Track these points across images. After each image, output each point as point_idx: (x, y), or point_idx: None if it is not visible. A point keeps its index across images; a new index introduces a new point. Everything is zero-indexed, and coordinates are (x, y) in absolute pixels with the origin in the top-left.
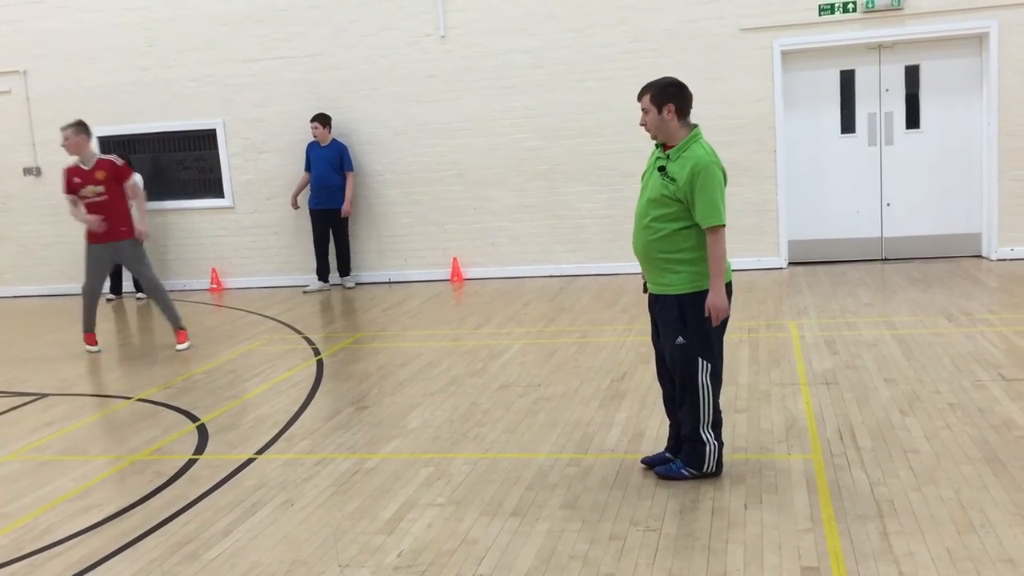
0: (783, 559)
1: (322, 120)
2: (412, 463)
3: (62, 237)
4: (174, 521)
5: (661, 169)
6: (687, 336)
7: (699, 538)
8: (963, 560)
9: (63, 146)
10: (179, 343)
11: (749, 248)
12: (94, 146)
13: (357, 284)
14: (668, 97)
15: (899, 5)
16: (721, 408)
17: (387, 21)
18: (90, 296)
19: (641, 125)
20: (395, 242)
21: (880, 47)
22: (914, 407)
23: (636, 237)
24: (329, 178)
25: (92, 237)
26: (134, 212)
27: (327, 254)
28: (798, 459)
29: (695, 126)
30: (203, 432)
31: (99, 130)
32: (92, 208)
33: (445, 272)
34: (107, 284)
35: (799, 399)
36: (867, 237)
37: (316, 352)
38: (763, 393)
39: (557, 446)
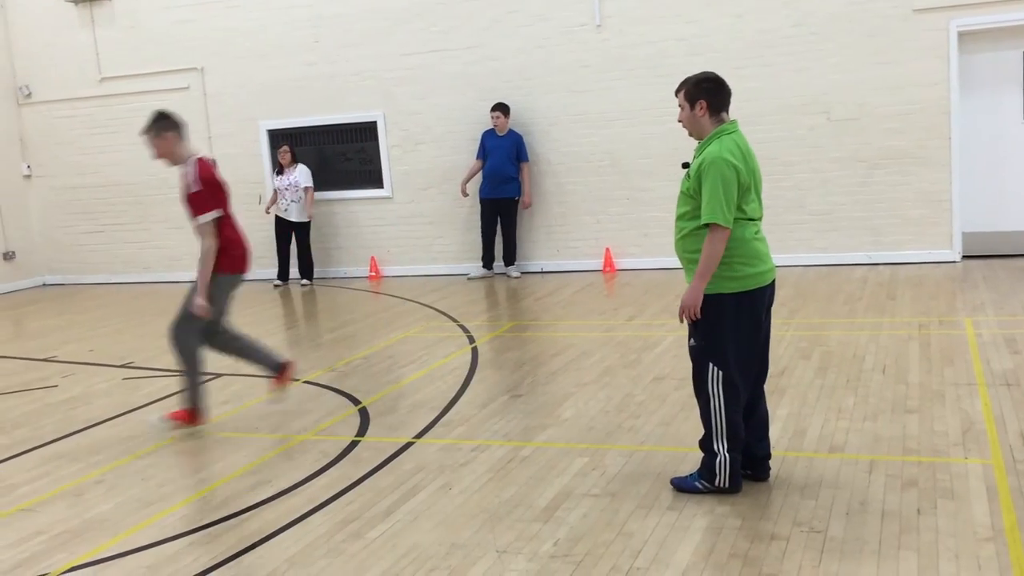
0: (960, 569)
1: (503, 109)
2: (567, 452)
3: None
4: (339, 500)
5: (684, 165)
6: (698, 338)
7: (868, 542)
8: None
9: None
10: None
11: (919, 240)
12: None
13: (522, 273)
14: (700, 93)
15: None
16: (739, 423)
17: (543, 11)
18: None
19: (679, 122)
20: (548, 232)
21: None
22: None
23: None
24: (504, 168)
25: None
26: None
27: (493, 243)
28: (976, 464)
29: (729, 122)
30: (364, 415)
31: (267, 124)
32: None
33: (597, 262)
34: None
35: (976, 400)
36: None
37: (471, 340)
38: (936, 393)
39: None
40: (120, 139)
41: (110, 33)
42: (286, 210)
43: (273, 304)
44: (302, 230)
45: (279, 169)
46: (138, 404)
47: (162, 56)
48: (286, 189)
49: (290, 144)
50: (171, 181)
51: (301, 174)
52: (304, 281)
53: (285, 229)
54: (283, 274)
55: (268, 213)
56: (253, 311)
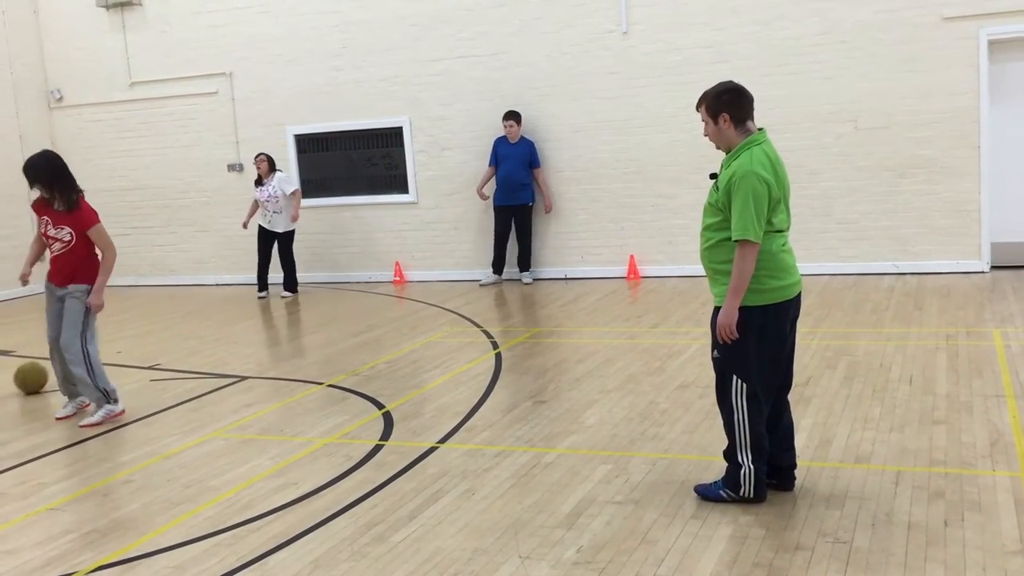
0: None
1: (516, 118)
2: (590, 459)
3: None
4: (363, 503)
5: (712, 176)
6: (721, 350)
7: (894, 554)
8: None
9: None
10: None
11: (947, 250)
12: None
13: (534, 280)
14: (722, 106)
15: None
16: (763, 434)
17: (570, 18)
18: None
19: (705, 136)
20: (572, 238)
21: None
22: None
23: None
24: (517, 175)
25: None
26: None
27: (505, 249)
28: (1004, 476)
29: (757, 131)
30: (388, 419)
31: (294, 129)
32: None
33: (622, 269)
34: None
35: (1004, 412)
36: None
37: (495, 345)
38: (964, 404)
39: None
40: (148, 143)
41: (140, 38)
42: (270, 222)
43: (293, 309)
44: (286, 240)
45: (258, 180)
46: (166, 405)
47: (191, 61)
48: (267, 201)
49: (267, 152)
50: (198, 185)
51: (280, 182)
52: (286, 293)
53: (268, 239)
54: (263, 284)
55: (246, 228)
56: (273, 317)
